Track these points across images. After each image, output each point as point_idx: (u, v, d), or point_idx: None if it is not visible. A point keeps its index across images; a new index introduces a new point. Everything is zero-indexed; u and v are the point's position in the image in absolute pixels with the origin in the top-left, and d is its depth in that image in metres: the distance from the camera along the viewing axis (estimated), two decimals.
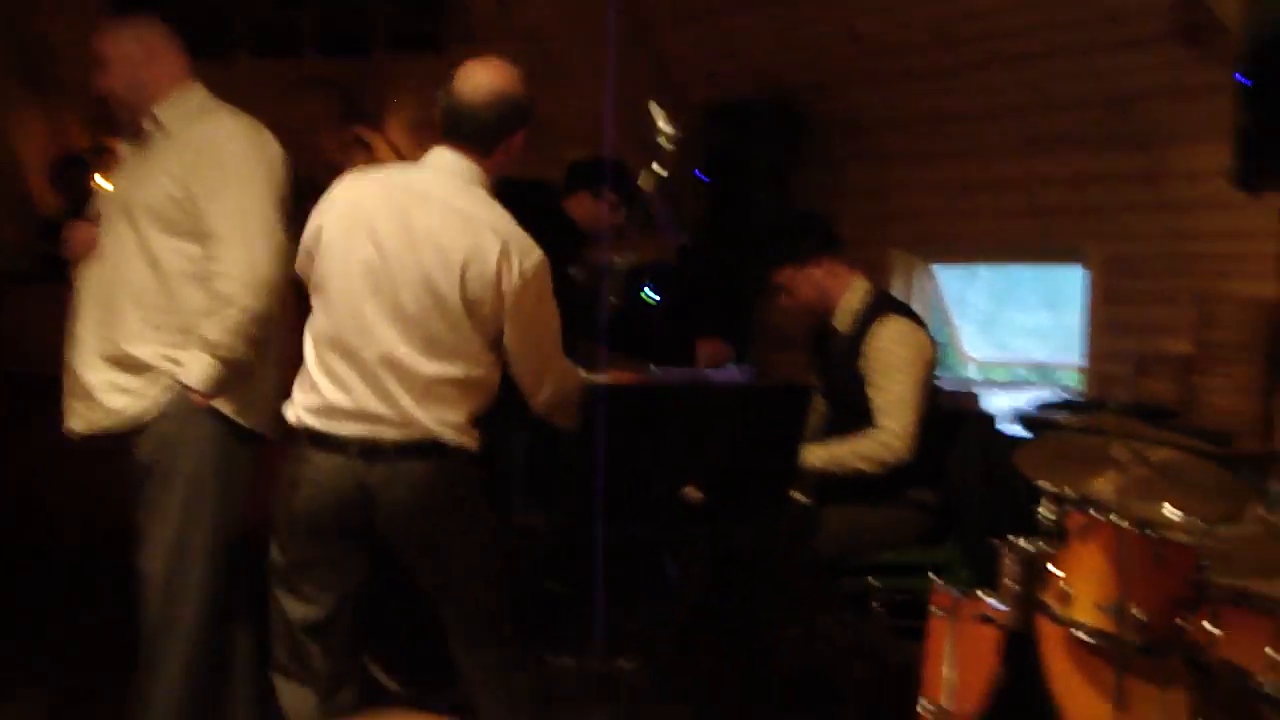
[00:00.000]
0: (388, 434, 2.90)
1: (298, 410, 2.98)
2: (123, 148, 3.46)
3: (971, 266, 6.22)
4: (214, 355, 3.15)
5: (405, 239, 2.91)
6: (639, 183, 3.78)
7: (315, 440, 2.94)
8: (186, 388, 3.16)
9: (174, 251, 3.21)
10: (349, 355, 2.91)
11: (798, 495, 3.89)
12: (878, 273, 5.81)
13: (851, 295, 4.07)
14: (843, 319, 4.06)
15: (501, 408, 3.06)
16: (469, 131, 2.97)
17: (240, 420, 3.25)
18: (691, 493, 3.38)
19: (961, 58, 5.36)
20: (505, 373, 3.05)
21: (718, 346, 4.71)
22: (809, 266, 4.07)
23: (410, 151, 7.10)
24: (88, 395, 3.25)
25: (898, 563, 3.90)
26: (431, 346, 2.90)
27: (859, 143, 6.07)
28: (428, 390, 2.90)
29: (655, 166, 3.73)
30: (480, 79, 2.98)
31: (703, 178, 6.16)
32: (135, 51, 3.33)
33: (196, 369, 3.15)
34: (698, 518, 3.52)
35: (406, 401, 2.90)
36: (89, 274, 3.33)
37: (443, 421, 2.92)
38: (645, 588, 4.09)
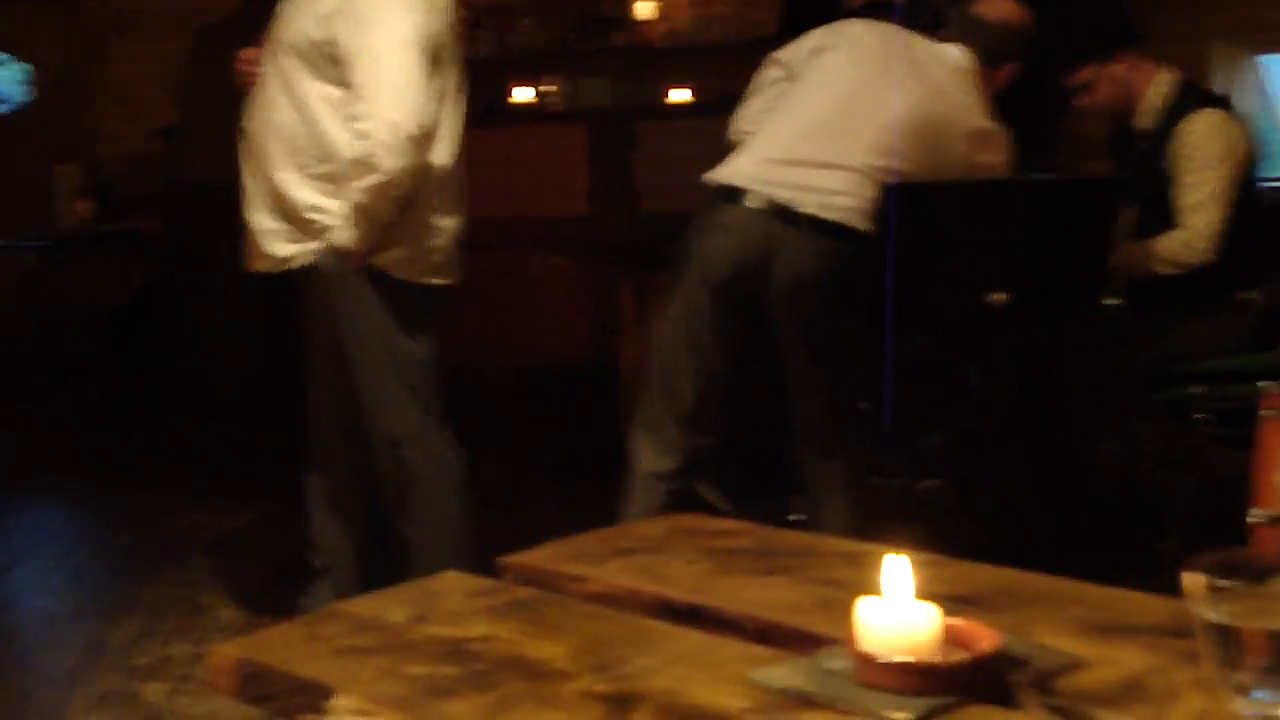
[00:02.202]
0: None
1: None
2: None
3: None
4: (361, 218, 3.00)
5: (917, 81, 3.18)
6: None
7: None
8: (340, 248, 3.04)
9: (321, 97, 3.03)
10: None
11: (1110, 300, 3.69)
12: (1196, 68, 5.39)
13: (1155, 90, 3.78)
14: (1146, 116, 3.78)
15: None
16: (975, 43, 3.29)
17: (402, 275, 3.10)
18: (995, 298, 3.24)
19: None
20: None
21: None
22: (1110, 63, 3.79)
23: None
24: (254, 240, 3.17)
25: (1223, 369, 3.65)
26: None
27: None
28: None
29: None
30: (1000, 3, 3.35)
31: None
32: None
33: (346, 231, 3.02)
34: (1002, 325, 3.37)
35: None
36: (250, 114, 3.20)
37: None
38: (950, 403, 3.98)
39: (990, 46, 3.32)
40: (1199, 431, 3.63)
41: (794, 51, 3.34)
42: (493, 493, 4.64)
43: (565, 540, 1.60)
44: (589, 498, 4.87)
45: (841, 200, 3.08)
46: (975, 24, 3.34)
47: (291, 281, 3.18)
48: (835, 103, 3.18)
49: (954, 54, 3.31)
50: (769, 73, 3.37)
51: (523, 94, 6.99)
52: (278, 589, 3.57)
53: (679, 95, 6.70)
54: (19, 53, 7.59)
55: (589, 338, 5.76)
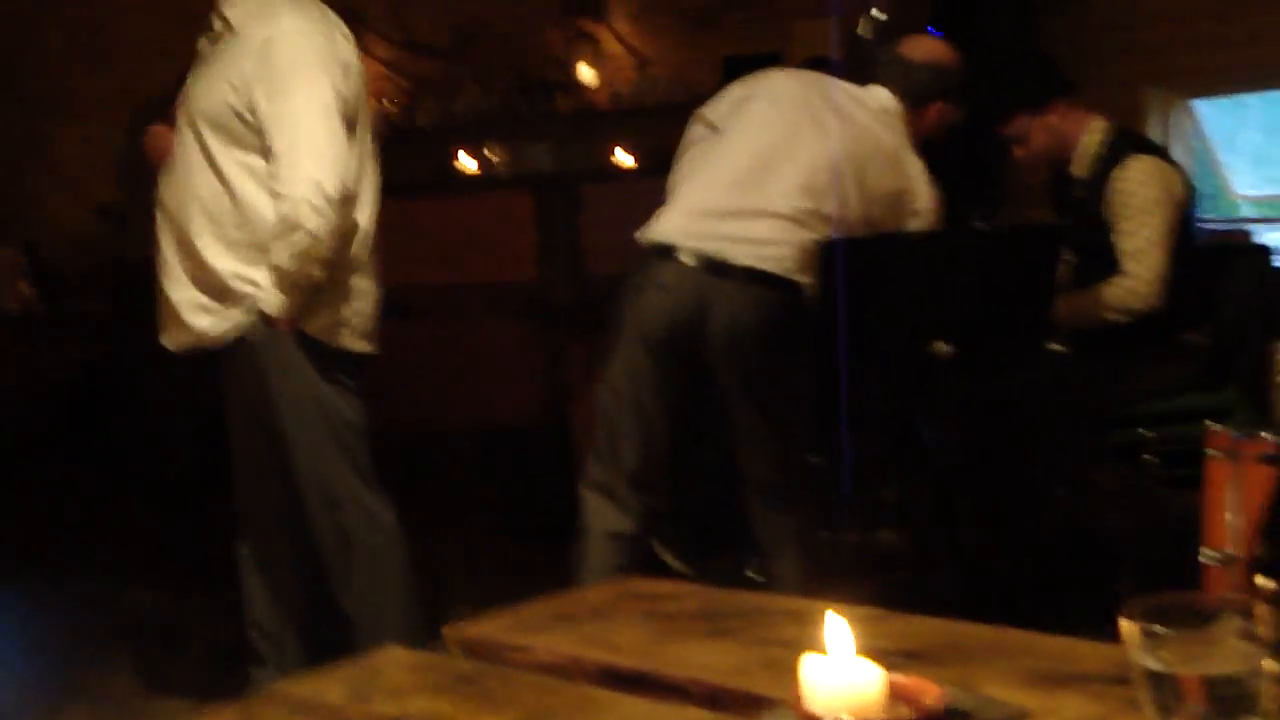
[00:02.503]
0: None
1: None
2: (201, 43, 3.18)
3: (1239, 98, 5.80)
4: (286, 282, 2.95)
5: (839, 124, 3.19)
6: (858, 30, 3.63)
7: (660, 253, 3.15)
8: (267, 316, 3.00)
9: (239, 165, 2.99)
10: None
11: (1055, 346, 3.71)
12: (1131, 114, 5.46)
13: (1090, 138, 3.82)
14: (1081, 163, 3.82)
15: None
16: (900, 83, 3.32)
17: (329, 340, 3.07)
18: (940, 348, 3.24)
19: None
20: None
21: None
22: (1044, 113, 3.83)
23: (637, 42, 7.03)
24: (175, 313, 3.10)
25: (1170, 410, 3.67)
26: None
27: None
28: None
29: (874, 12, 3.57)
30: (926, 44, 3.42)
31: (935, 32, 5.87)
32: None
33: (273, 298, 2.97)
34: (949, 374, 3.38)
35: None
36: (166, 184, 3.14)
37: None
38: (900, 454, 3.98)
39: (916, 86, 3.34)
40: (1148, 473, 3.64)
41: (716, 106, 3.35)
42: (445, 558, 4.60)
43: (509, 609, 1.58)
44: (542, 561, 4.83)
45: (772, 250, 3.08)
46: (900, 64, 3.36)
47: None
48: (759, 150, 3.18)
49: (878, 95, 3.33)
50: (694, 130, 3.38)
51: (468, 162, 7.01)
52: (228, 672, 3.50)
53: (624, 157, 6.73)
54: None
55: (539, 401, 5.74)
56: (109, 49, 7.25)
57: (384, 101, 7.28)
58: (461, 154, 7.01)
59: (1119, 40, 5.62)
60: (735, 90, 3.34)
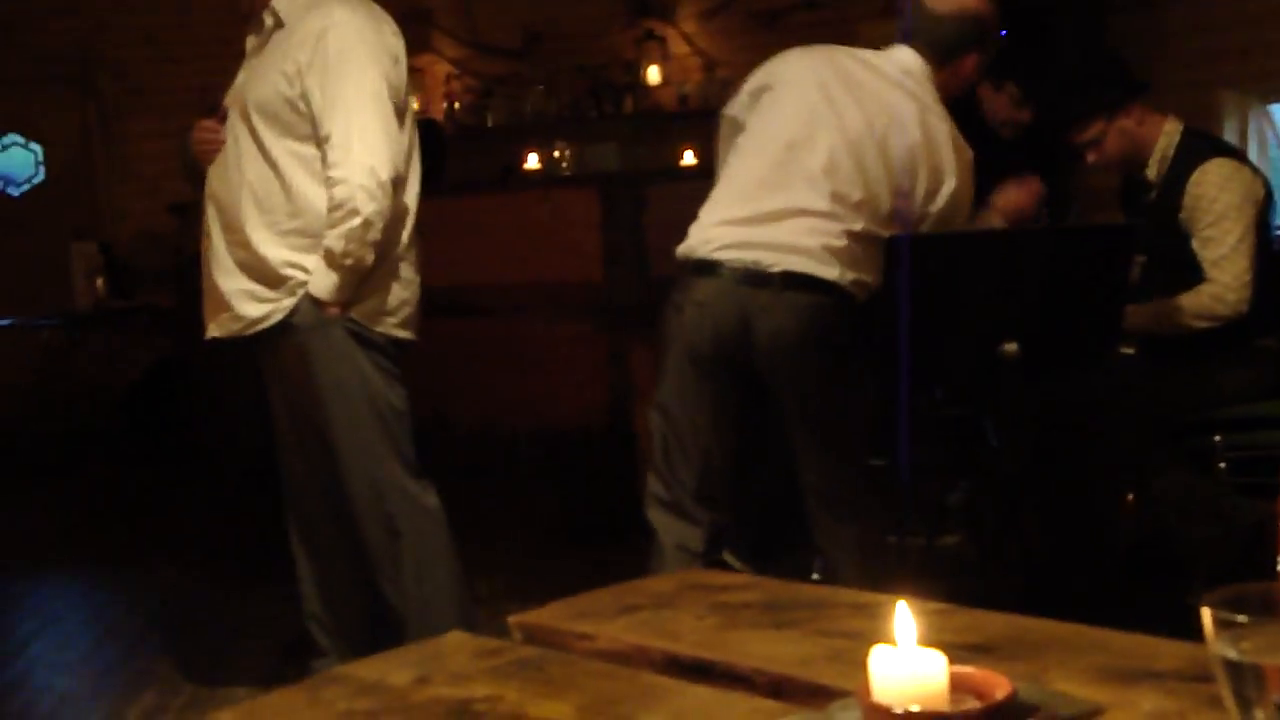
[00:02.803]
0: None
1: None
2: (249, 41, 3.29)
3: None
4: (339, 265, 3.01)
5: (855, 100, 3.05)
6: None
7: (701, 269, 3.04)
8: (317, 300, 3.05)
9: (291, 154, 3.07)
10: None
11: (1126, 349, 3.65)
12: (1206, 118, 5.38)
13: (1165, 141, 3.76)
14: (1156, 167, 3.76)
15: None
16: (928, 39, 3.12)
17: (374, 326, 3.12)
18: (1008, 349, 3.18)
19: None
20: None
21: (1021, 193, 3.91)
22: (1118, 117, 3.77)
23: (705, 43, 7.03)
24: (225, 303, 3.15)
25: (1242, 417, 3.60)
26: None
27: None
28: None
29: None
30: None
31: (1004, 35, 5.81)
32: None
33: (324, 281, 3.03)
34: (1017, 376, 3.32)
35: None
36: (215, 176, 3.21)
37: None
38: (966, 457, 3.94)
39: (945, 40, 3.15)
40: (1221, 481, 3.58)
41: (736, 102, 3.23)
42: (508, 557, 4.61)
43: (572, 599, 1.57)
44: (605, 562, 4.82)
45: (807, 250, 2.96)
46: (928, 19, 3.17)
47: None
48: (779, 144, 3.05)
49: (899, 57, 3.15)
50: (722, 128, 3.28)
51: (535, 161, 7.04)
52: (292, 664, 3.53)
53: (690, 158, 6.73)
54: (33, 133, 7.67)
55: (605, 402, 5.74)
56: (183, 49, 7.35)
57: (453, 101, 7.32)
58: (529, 153, 7.04)
59: (1194, 43, 5.54)
60: (752, 80, 3.21)
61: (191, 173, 3.39)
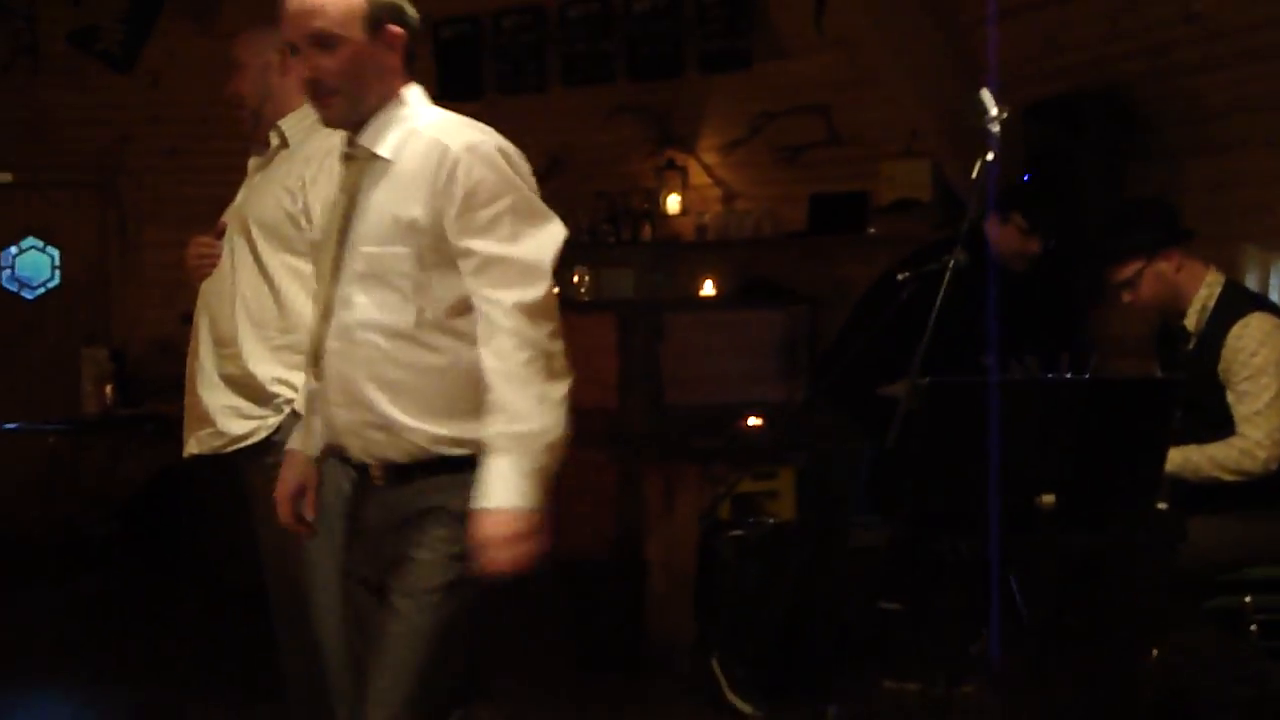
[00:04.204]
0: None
1: None
2: (251, 161, 3.37)
3: None
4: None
5: None
6: (973, 175, 3.53)
7: None
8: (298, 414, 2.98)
9: (287, 268, 3.12)
10: None
11: (1159, 504, 3.61)
12: (1227, 271, 5.38)
13: (1207, 292, 3.75)
14: (1195, 317, 3.74)
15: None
16: None
17: None
18: (1045, 500, 3.13)
19: None
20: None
21: None
22: (1158, 260, 3.77)
23: (725, 174, 7.08)
24: (207, 419, 3.18)
25: (1275, 577, 3.55)
26: None
27: (1199, 132, 5.65)
28: None
29: (989, 156, 3.49)
30: None
31: (1026, 179, 5.86)
32: (272, 59, 3.24)
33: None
34: (1047, 526, 3.27)
35: None
36: (210, 291, 3.26)
37: None
38: (989, 605, 3.87)
39: None
40: (1252, 643, 3.52)
41: None
42: (516, 684, 4.50)
43: None
44: (614, 692, 4.72)
45: None
46: None
47: None
48: None
49: None
50: None
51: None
52: None
53: (709, 288, 6.75)
54: (51, 237, 7.69)
55: (613, 530, 5.66)
56: (203, 159, 7.40)
57: None
58: None
59: (1215, 197, 5.57)
60: None
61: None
